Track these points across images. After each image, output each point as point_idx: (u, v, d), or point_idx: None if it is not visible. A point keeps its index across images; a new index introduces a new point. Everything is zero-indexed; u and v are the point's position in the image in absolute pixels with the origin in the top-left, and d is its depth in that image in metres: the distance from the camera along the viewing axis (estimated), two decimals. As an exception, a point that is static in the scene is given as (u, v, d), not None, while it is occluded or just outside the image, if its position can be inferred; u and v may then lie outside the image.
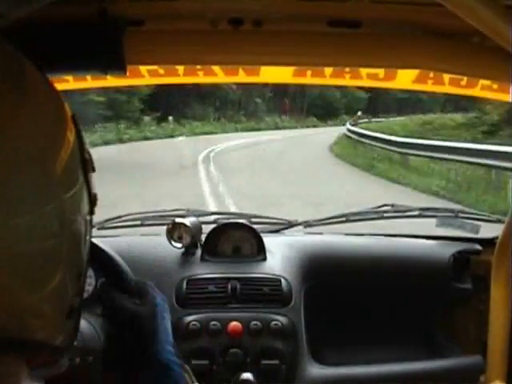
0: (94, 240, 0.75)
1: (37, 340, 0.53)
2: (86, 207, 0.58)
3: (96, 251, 0.98)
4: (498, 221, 1.87)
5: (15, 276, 0.49)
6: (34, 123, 0.52)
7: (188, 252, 1.71)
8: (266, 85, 22.22)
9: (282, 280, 1.65)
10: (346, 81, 1.39)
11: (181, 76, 1.35)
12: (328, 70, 1.36)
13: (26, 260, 0.49)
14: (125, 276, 1.02)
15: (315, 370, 1.62)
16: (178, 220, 1.69)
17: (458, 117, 22.26)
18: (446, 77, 1.35)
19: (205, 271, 1.67)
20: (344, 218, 1.98)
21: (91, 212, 0.61)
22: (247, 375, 1.43)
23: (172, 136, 19.64)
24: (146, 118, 21.32)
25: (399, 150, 12.23)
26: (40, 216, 0.50)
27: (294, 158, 13.49)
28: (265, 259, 1.72)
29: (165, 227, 1.69)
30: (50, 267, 0.52)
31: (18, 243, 0.49)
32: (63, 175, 0.53)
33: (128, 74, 1.17)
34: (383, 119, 27.12)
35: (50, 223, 0.52)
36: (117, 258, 1.04)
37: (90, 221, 0.61)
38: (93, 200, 0.61)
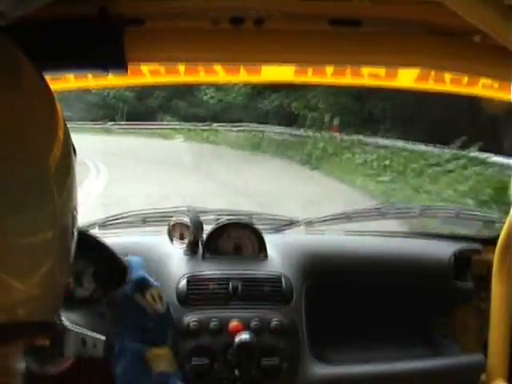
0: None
1: (31, 321, 0.55)
2: (75, 202, 0.60)
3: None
4: (499, 220, 1.87)
5: (7, 269, 0.51)
6: (28, 118, 0.52)
7: (189, 250, 1.72)
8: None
9: (283, 279, 1.65)
10: (347, 80, 1.39)
11: (182, 75, 1.35)
12: (329, 69, 1.36)
13: (18, 253, 0.51)
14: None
15: (316, 368, 1.62)
16: (179, 218, 1.69)
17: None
18: (447, 76, 1.34)
19: (206, 270, 1.67)
20: (345, 217, 1.98)
21: None
22: (245, 336, 1.47)
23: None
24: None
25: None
26: (33, 213, 0.52)
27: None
28: (266, 258, 1.72)
29: (166, 226, 1.70)
30: (40, 259, 0.54)
31: (12, 237, 0.50)
32: (56, 171, 0.55)
33: (129, 73, 1.17)
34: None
35: (43, 219, 0.54)
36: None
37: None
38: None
